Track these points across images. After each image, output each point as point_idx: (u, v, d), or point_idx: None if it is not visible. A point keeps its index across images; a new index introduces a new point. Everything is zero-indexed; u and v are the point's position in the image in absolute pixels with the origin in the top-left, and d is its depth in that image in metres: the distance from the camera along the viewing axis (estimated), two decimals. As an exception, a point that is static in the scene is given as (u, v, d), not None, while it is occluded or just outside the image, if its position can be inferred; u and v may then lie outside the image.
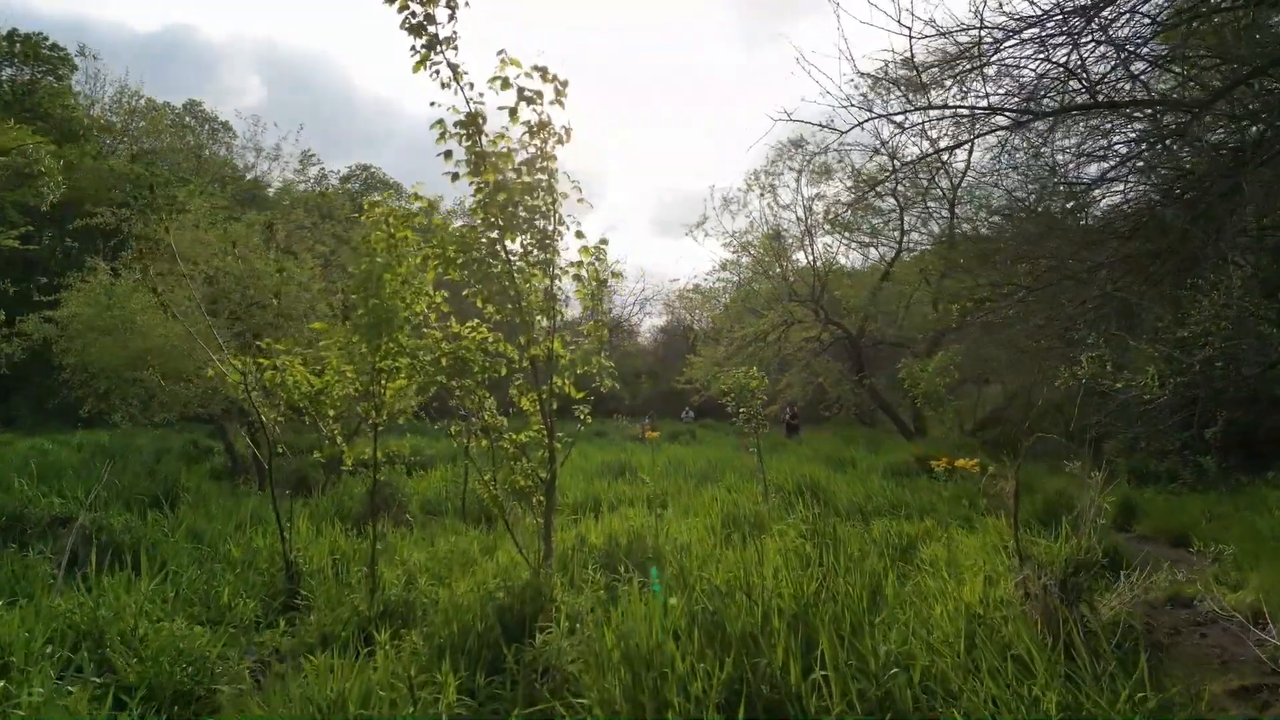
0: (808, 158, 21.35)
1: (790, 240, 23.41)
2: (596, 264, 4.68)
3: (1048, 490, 8.72)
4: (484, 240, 4.47)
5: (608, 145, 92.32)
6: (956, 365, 14.22)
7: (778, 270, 23.37)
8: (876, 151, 10.59)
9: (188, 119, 39.25)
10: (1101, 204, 9.42)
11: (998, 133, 5.40)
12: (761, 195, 22.97)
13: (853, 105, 5.24)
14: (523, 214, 4.41)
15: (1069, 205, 8.21)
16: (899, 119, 5.23)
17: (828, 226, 22.68)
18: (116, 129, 36.82)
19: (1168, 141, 5.51)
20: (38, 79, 34.00)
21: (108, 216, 12.28)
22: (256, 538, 6.13)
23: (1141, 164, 6.64)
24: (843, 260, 23.94)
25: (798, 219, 22.65)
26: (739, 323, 25.07)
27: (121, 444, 14.56)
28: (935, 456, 12.84)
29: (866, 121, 5.35)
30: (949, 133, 5.76)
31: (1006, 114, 4.92)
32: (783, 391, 26.13)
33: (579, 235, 4.68)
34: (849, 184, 21.17)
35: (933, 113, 5.66)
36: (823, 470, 10.25)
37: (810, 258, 23.04)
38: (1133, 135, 6.82)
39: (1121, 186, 6.89)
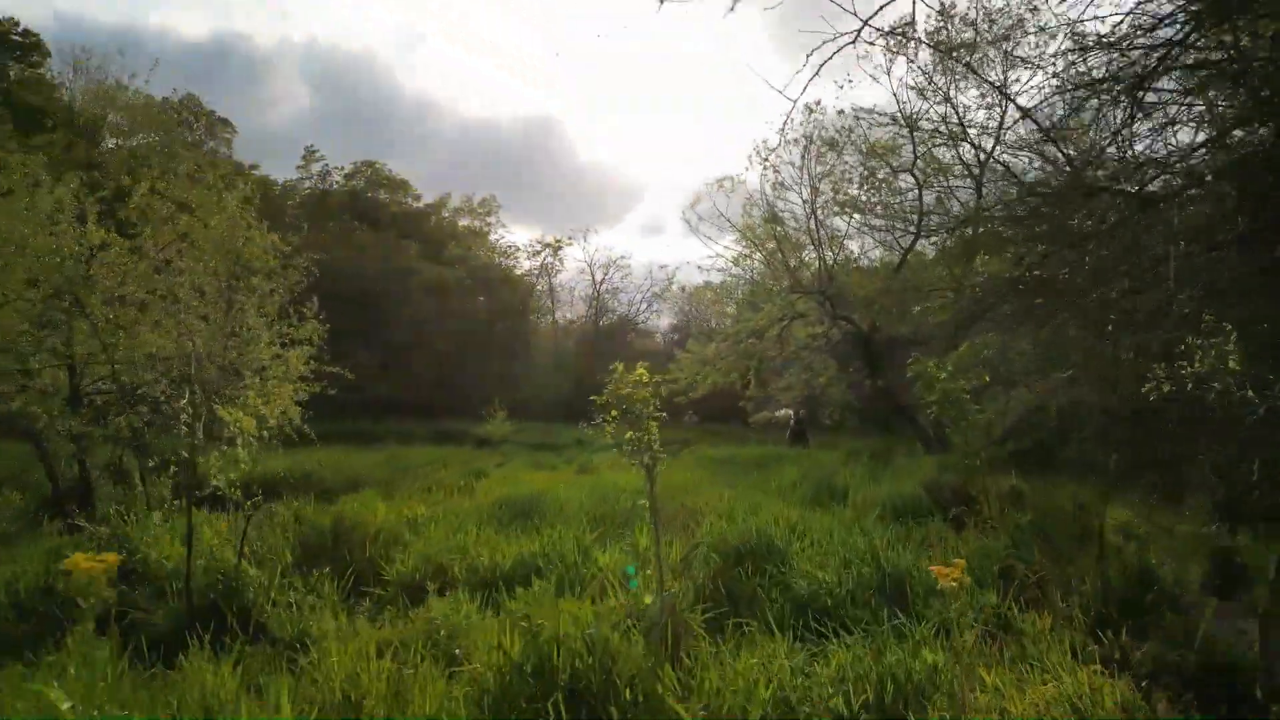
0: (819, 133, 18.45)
1: (793, 225, 20.55)
2: None
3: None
4: None
5: (644, 147, 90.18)
6: (984, 361, 11.21)
7: (780, 258, 20.50)
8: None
9: (185, 115, 37.32)
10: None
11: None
12: (762, 173, 20.16)
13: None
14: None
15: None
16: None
17: (837, 208, 19.79)
18: (100, 122, 35.06)
19: None
20: (6, 65, 32.55)
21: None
22: None
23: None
24: (853, 247, 20.97)
25: (803, 200, 19.76)
26: (736, 317, 22.43)
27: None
28: (955, 480, 10.06)
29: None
30: None
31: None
32: (782, 394, 23.21)
33: None
34: (859, 160, 18.33)
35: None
36: (798, 509, 7.52)
37: (815, 243, 20.15)
38: None
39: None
